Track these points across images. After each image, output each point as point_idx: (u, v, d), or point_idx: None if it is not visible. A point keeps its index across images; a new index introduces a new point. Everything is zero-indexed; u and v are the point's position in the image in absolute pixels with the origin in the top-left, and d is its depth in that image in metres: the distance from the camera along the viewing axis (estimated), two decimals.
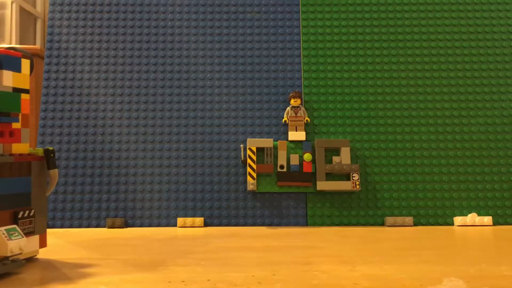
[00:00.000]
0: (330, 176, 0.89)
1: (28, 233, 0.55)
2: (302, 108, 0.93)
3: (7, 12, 1.29)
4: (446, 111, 0.94)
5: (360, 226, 0.88)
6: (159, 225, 0.89)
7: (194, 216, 0.90)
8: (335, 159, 0.90)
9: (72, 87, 0.95)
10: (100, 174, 0.91)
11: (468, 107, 0.95)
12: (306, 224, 0.89)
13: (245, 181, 0.91)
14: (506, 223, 0.89)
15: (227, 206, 0.90)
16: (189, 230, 0.84)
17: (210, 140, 0.93)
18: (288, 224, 0.89)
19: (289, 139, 0.91)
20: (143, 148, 0.93)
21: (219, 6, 0.99)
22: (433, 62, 0.97)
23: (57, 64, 0.96)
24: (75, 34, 0.98)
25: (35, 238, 0.57)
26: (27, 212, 0.56)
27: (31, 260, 0.58)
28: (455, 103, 0.95)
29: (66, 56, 0.96)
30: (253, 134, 0.94)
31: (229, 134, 0.94)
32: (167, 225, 0.89)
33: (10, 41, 1.29)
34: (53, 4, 0.99)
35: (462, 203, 0.90)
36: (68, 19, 0.98)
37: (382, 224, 0.89)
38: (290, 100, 0.93)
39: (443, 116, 0.94)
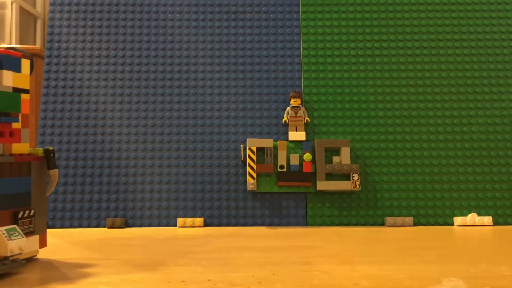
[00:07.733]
0: (330, 176, 0.89)
1: (28, 233, 0.55)
2: (302, 108, 0.93)
3: (7, 12, 1.29)
4: (446, 111, 0.94)
5: (360, 226, 0.88)
6: (159, 225, 0.89)
7: (194, 216, 0.90)
8: (335, 159, 0.90)
9: (72, 87, 0.95)
10: (100, 174, 0.91)
11: (468, 107, 0.95)
12: (306, 224, 0.89)
13: (245, 181, 0.91)
14: (506, 223, 0.89)
15: (227, 206, 0.90)
16: (189, 230, 0.84)
17: (210, 140, 0.93)
18: (288, 224, 0.89)
19: (289, 139, 0.91)
20: (143, 148, 0.93)
21: (219, 6, 0.99)
22: (433, 62, 0.97)
23: (57, 64, 0.96)
24: (75, 34, 0.98)
25: (35, 238, 0.57)
26: (27, 212, 0.56)
27: (31, 260, 0.58)
28: (455, 103, 0.95)
29: (66, 56, 0.96)
30: (253, 134, 0.94)
31: (229, 134, 0.94)
32: (167, 225, 0.89)
33: (10, 41, 1.29)
34: (53, 4, 0.99)
35: (462, 203, 0.90)
36: (68, 19, 0.98)
37: (382, 224, 0.89)
38: (290, 100, 0.93)
39: (443, 116, 0.94)
